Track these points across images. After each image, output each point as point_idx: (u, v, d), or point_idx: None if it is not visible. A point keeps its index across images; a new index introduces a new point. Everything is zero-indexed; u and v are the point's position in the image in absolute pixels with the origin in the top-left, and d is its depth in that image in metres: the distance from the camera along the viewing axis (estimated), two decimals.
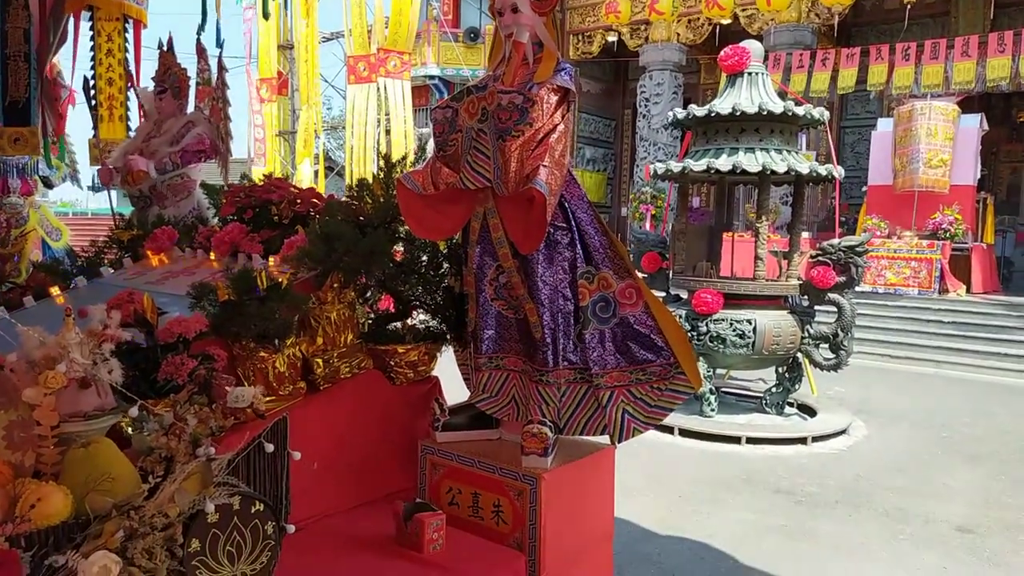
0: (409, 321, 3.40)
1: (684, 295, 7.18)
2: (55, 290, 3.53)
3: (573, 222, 2.67)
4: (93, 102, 6.19)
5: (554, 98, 2.60)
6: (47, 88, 7.28)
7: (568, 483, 2.66)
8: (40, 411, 1.65)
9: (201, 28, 4.87)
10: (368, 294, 3.46)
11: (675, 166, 6.69)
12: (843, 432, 6.87)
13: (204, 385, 1.91)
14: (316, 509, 2.72)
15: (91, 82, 6.24)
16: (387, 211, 3.28)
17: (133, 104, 6.30)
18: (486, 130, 2.64)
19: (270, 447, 1.84)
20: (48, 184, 7.24)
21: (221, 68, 4.69)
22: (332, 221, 3.08)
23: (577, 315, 2.69)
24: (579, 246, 2.67)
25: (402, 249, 3.37)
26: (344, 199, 3.48)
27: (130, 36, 6.63)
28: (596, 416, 2.70)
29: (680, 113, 6.75)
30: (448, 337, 3.34)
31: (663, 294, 7.22)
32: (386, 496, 2.95)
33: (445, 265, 3.29)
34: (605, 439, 2.76)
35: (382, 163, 3.33)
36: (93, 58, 6.32)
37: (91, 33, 6.38)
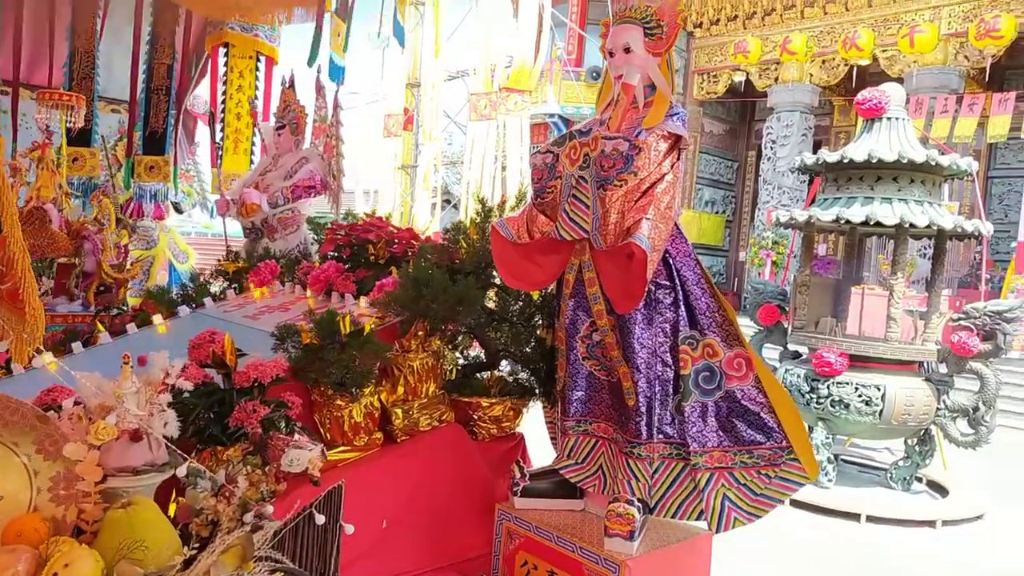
0: (497, 372, 3.23)
1: (804, 352, 6.64)
2: (157, 318, 3.60)
3: (678, 281, 2.41)
4: (221, 135, 6.51)
5: (664, 145, 2.37)
6: (185, 121, 7.76)
7: (656, 572, 2.36)
8: (83, 466, 1.57)
9: (311, 62, 4.97)
10: (458, 339, 3.32)
11: (800, 214, 6.22)
12: (979, 518, 6.05)
13: (259, 445, 1.79)
14: (383, 571, 2.56)
15: (220, 116, 6.57)
16: (482, 256, 3.14)
17: (257, 138, 6.57)
18: (587, 177, 2.44)
19: (321, 518, 1.68)
20: (179, 209, 7.65)
21: (336, 106, 4.76)
22: (423, 265, 2.96)
23: (677, 384, 2.41)
24: (683, 308, 2.40)
25: (494, 296, 3.21)
26: (442, 241, 3.37)
27: (260, 73, 6.96)
28: (692, 499, 2.40)
29: (809, 158, 6.29)
30: (537, 392, 3.14)
31: (780, 349, 6.71)
32: (458, 562, 2.76)
33: (537, 316, 3.10)
34: (702, 523, 2.46)
35: (478, 206, 3.20)
36: (224, 92, 6.66)
37: (224, 69, 6.74)
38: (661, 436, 2.40)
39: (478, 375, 3.24)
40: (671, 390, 2.41)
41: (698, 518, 2.41)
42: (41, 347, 1.61)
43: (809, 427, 5.81)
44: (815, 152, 6.41)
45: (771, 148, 16.20)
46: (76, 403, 1.69)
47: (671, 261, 2.43)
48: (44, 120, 4.69)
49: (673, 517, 2.41)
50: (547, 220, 2.60)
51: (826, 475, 6.34)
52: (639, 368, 2.37)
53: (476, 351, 3.50)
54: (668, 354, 2.41)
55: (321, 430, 2.61)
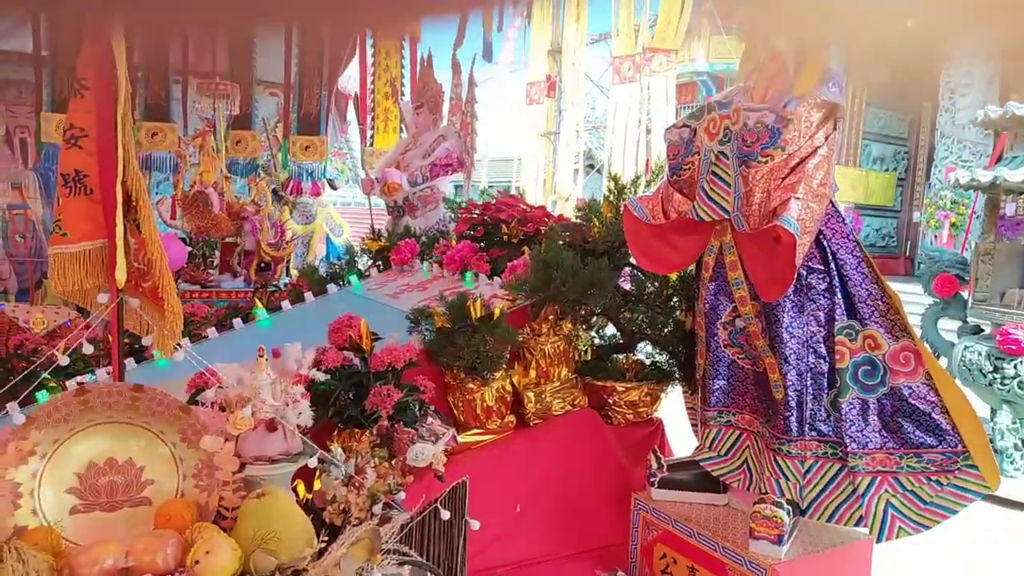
0: (633, 356, 3.10)
1: (986, 327, 5.95)
2: (309, 296, 3.78)
3: (833, 265, 2.17)
4: (370, 115, 6.71)
5: (817, 116, 2.12)
6: (336, 101, 8.08)
7: None
8: (220, 457, 1.64)
9: (458, 43, 4.97)
10: (592, 320, 3.22)
11: (984, 175, 5.53)
12: None
13: (385, 438, 1.80)
14: (516, 555, 2.54)
15: (369, 95, 6.77)
16: (615, 235, 3.00)
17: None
18: (728, 153, 2.24)
19: (446, 514, 1.67)
20: (333, 186, 8.01)
21: (471, 84, 4.73)
22: (553, 246, 2.87)
23: (832, 378, 2.19)
24: (839, 294, 2.17)
25: (629, 275, 3.08)
26: (574, 219, 3.27)
27: (406, 51, 7.09)
28: (851, 504, 2.18)
29: (994, 111, 5.56)
30: (676, 377, 2.99)
31: (959, 324, 6.06)
32: (593, 550, 2.69)
33: (676, 298, 2.94)
34: (862, 528, 2.23)
35: (611, 184, 3.06)
36: (373, 74, 6.83)
37: (371, 50, 6.91)
38: (814, 433, 2.19)
39: (613, 358, 3.13)
40: (825, 384, 2.19)
41: (857, 524, 2.19)
42: (180, 343, 1.69)
43: (992, 410, 5.22)
44: (1002, 103, 5.64)
45: (949, 98, 14.57)
46: (218, 390, 1.77)
47: (826, 243, 2.19)
48: (205, 108, 5.03)
49: (828, 522, 2.21)
50: (684, 199, 2.42)
51: (1013, 463, 5.70)
52: (788, 359, 2.17)
53: (613, 330, 3.39)
54: (822, 345, 2.19)
55: (454, 412, 2.63)
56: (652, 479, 2.54)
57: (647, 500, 2.54)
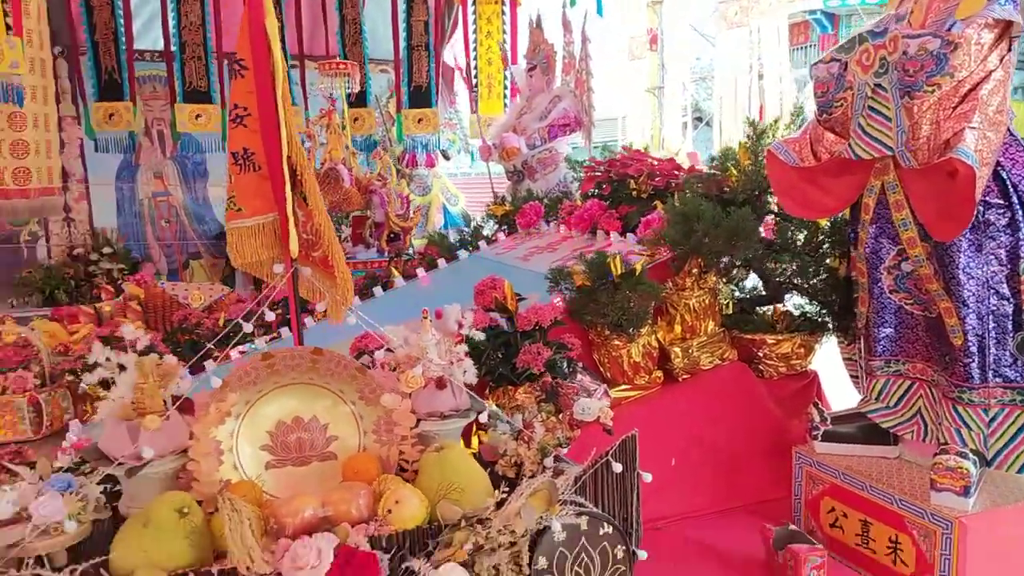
0: (781, 307, 2.99)
1: None
2: (441, 262, 3.87)
3: (1015, 198, 2.00)
4: (475, 82, 6.72)
5: (989, 36, 1.94)
6: (444, 72, 8.14)
7: (1001, 532, 2.04)
8: (398, 413, 1.70)
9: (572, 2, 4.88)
10: (733, 272, 3.12)
11: None
12: None
13: (551, 393, 1.82)
14: (672, 509, 2.53)
15: (473, 63, 6.79)
16: (755, 183, 2.88)
17: (509, 81, 6.70)
18: (886, 85, 2.08)
19: (619, 467, 1.67)
20: (446, 156, 8.12)
21: (584, 40, 4.64)
22: (691, 198, 2.79)
23: (1018, 320, 2.03)
24: (1023, 230, 1.99)
25: (773, 224, 2.95)
26: (706, 170, 3.16)
27: (506, 16, 7.04)
28: None
29: None
30: (830, 327, 2.86)
31: None
32: (750, 504, 2.64)
33: (826, 244, 2.79)
34: None
35: (749, 129, 2.93)
36: (475, 41, 6.84)
37: (473, 18, 6.91)
38: (999, 380, 2.04)
39: (758, 310, 3.03)
40: (1010, 327, 2.03)
41: None
42: (352, 307, 1.75)
43: None
44: None
45: None
46: (386, 352, 1.84)
47: (1005, 175, 2.01)
48: (327, 89, 5.20)
49: (1020, 472, 2.06)
50: (836, 138, 2.29)
51: None
52: (967, 302, 2.02)
53: (754, 282, 3.28)
54: (1004, 285, 2.02)
55: (601, 369, 2.62)
56: (815, 432, 2.45)
57: (810, 454, 2.46)
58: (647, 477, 1.71)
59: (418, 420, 1.75)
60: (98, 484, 1.51)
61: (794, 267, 2.89)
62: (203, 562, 1.44)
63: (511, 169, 4.78)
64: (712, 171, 3.06)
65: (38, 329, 3.91)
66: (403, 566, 1.50)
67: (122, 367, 1.56)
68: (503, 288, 2.47)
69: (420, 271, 3.85)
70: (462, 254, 3.97)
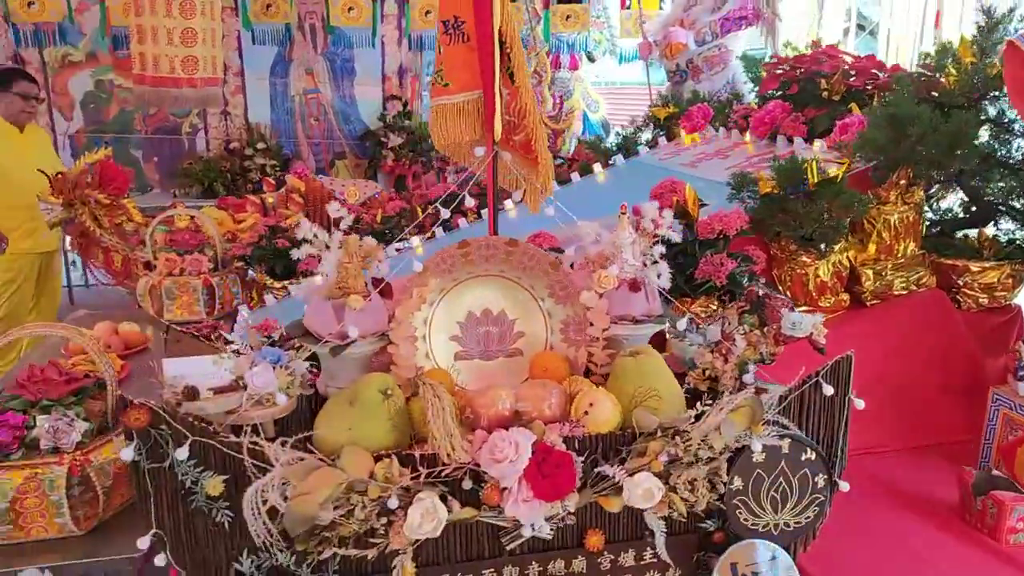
0: (988, 231, 2.67)
1: None
2: (597, 167, 3.71)
3: None
4: None
5: None
6: None
7: None
8: (594, 313, 1.63)
9: None
10: (932, 190, 2.81)
11: None
12: None
13: (756, 304, 1.68)
14: (852, 443, 2.37)
15: None
16: (976, 85, 2.52)
17: None
18: None
19: (829, 389, 1.54)
20: (591, 58, 7.78)
21: None
22: (902, 99, 2.48)
23: None
24: None
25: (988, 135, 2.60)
26: (916, 70, 2.80)
27: None
28: None
29: None
30: None
31: None
32: (933, 444, 2.44)
33: None
34: None
35: (981, 18, 2.54)
36: None
37: None
38: None
39: (959, 234, 2.72)
40: None
41: None
42: (552, 197, 1.66)
43: None
44: None
45: None
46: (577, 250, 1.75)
47: None
48: None
49: None
50: None
51: None
52: None
53: (948, 204, 2.94)
54: None
55: (780, 288, 2.44)
56: (1020, 373, 2.20)
57: (1010, 395, 2.21)
58: (859, 403, 1.57)
59: (609, 324, 1.68)
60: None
61: (1012, 185, 2.55)
62: (402, 445, 1.45)
63: (673, 68, 4.48)
64: (922, 70, 2.70)
65: (208, 216, 4.11)
66: (595, 471, 1.46)
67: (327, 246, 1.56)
68: (684, 191, 2.31)
69: (575, 176, 3.72)
70: (619, 159, 3.79)
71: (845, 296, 2.45)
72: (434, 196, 3.64)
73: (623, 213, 1.67)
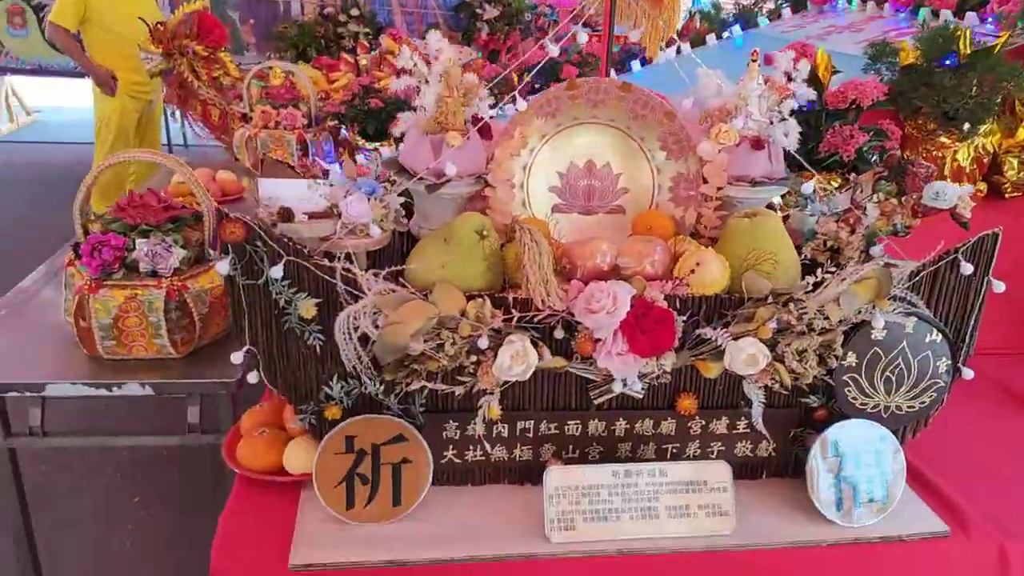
0: None
1: None
2: (711, 39, 3.43)
3: None
4: None
5: None
6: None
7: None
8: (711, 168, 1.49)
9: None
10: None
11: None
12: None
13: (895, 170, 1.51)
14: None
15: None
16: None
17: None
18: None
19: (968, 268, 1.38)
20: None
21: None
22: None
23: None
24: None
25: None
26: None
27: None
28: None
29: None
30: None
31: None
32: None
33: None
34: None
35: None
36: None
37: None
38: None
39: None
40: None
41: None
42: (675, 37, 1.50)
43: None
44: None
45: None
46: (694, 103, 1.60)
47: None
48: None
49: None
50: None
51: None
52: None
53: None
54: None
55: None
56: None
57: None
58: (999, 286, 1.41)
59: (725, 184, 1.54)
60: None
61: None
62: (495, 289, 1.39)
63: None
64: None
65: (303, 73, 4.06)
66: (696, 332, 1.37)
67: (426, 80, 1.47)
68: (814, 54, 2.08)
69: (685, 47, 3.45)
70: (735, 30, 3.49)
71: (982, 186, 2.21)
72: (532, 63, 3.47)
73: (753, 60, 1.50)
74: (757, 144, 1.51)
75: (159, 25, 4.09)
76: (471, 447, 1.47)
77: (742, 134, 1.52)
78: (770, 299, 1.36)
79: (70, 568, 2.48)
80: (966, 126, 2.07)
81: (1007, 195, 2.22)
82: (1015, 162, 2.18)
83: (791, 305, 1.34)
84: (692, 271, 1.37)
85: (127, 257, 1.81)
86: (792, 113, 1.57)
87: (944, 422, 1.56)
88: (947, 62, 2.07)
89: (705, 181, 1.54)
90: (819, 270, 1.34)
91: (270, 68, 4.19)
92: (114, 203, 1.96)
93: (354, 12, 7.20)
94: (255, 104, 3.66)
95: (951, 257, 1.38)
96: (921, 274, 1.39)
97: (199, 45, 4.17)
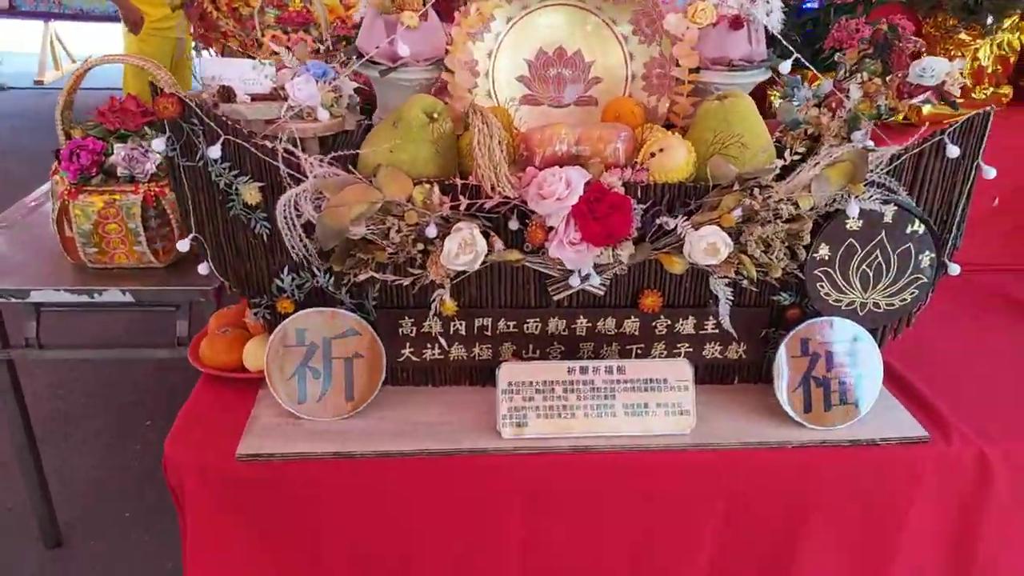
0: None
1: None
2: None
3: None
4: None
5: None
6: None
7: None
8: (681, 47, 1.39)
9: None
10: None
11: None
12: None
13: (880, 47, 1.39)
14: (975, 256, 2.05)
15: None
16: None
17: None
18: None
19: (955, 151, 1.27)
20: None
21: None
22: None
23: None
24: None
25: None
26: None
27: None
28: None
29: None
30: None
31: None
32: None
33: None
34: None
35: None
36: None
37: None
38: None
39: None
40: None
41: None
42: None
43: None
44: None
45: None
46: None
47: None
48: None
49: None
50: None
51: None
52: None
53: None
54: None
55: None
56: None
57: None
58: (990, 172, 1.29)
59: (699, 68, 1.44)
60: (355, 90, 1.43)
61: None
62: (448, 176, 1.34)
63: None
64: None
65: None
66: (656, 221, 1.30)
67: None
68: None
69: None
70: None
71: (1007, 89, 2.05)
72: None
73: None
74: (736, 23, 1.40)
75: None
76: (428, 345, 1.43)
77: (719, 12, 1.41)
78: (736, 186, 1.27)
79: (76, 485, 2.57)
80: (988, 20, 1.90)
81: None
82: None
83: (757, 191, 1.25)
84: (652, 155, 1.29)
85: (105, 162, 1.81)
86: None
87: (934, 326, 1.46)
88: None
89: (677, 65, 1.44)
90: (787, 153, 1.24)
91: None
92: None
93: None
94: (266, 29, 3.61)
95: (936, 139, 1.27)
96: (902, 158, 1.28)
97: None
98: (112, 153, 1.80)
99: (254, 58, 1.60)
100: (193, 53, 4.42)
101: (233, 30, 4.23)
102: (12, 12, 8.03)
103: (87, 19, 8.12)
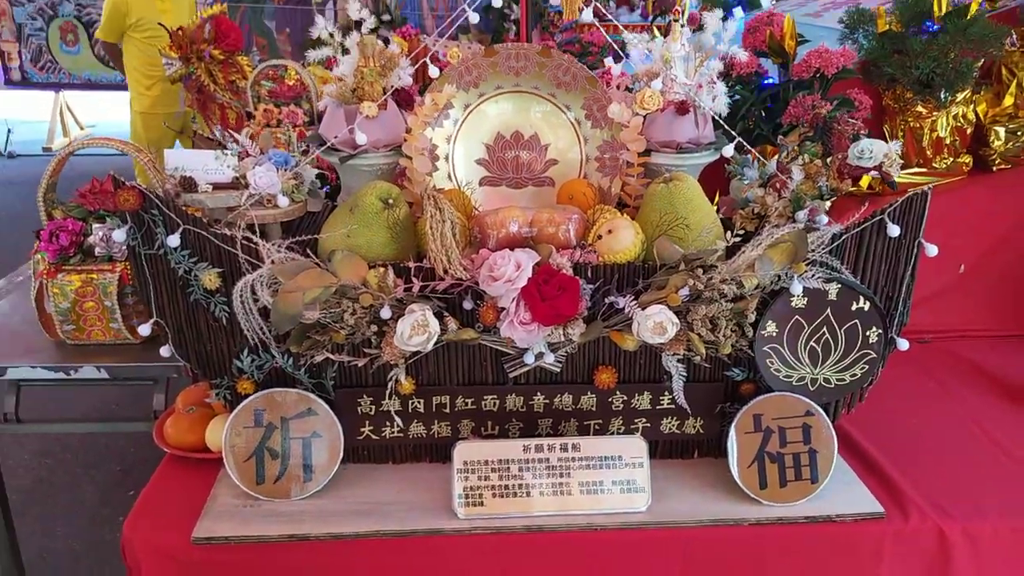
0: None
1: None
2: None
3: None
4: None
5: None
6: None
7: None
8: (627, 133, 1.44)
9: None
10: None
11: None
12: None
13: (820, 130, 1.43)
14: (947, 324, 2.08)
15: None
16: None
17: None
18: None
19: (895, 230, 1.30)
20: None
21: None
22: None
23: None
24: None
25: None
26: None
27: None
28: None
29: None
30: None
31: None
32: None
33: None
34: None
35: None
36: None
37: None
38: None
39: None
40: None
41: None
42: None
43: None
44: None
45: None
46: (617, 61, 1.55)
47: None
48: None
49: None
50: None
51: None
52: None
53: None
54: None
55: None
56: None
57: None
58: (932, 250, 1.32)
59: (649, 150, 1.49)
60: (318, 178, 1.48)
61: None
62: (405, 258, 1.37)
63: None
64: None
65: (312, 73, 4.12)
66: (606, 300, 1.32)
67: (345, 50, 1.46)
68: (782, 23, 2.01)
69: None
70: (736, 12, 3.39)
71: (967, 158, 2.09)
72: None
73: (675, 20, 1.45)
74: (682, 108, 1.45)
75: (179, 31, 4.22)
76: (388, 423, 1.45)
77: (667, 99, 1.46)
78: (682, 266, 1.30)
79: (55, 558, 2.55)
80: (942, 93, 1.95)
81: (995, 167, 2.09)
82: (1001, 132, 2.06)
83: (700, 272, 1.28)
84: (601, 237, 1.33)
85: (83, 242, 1.86)
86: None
87: (897, 395, 1.47)
88: (925, 27, 1.97)
89: (626, 148, 1.48)
90: (728, 234, 1.28)
91: (285, 69, 4.26)
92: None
93: (385, 17, 7.30)
94: (260, 103, 3.73)
95: (877, 219, 1.30)
96: (844, 236, 1.31)
97: (216, 49, 4.27)
98: (91, 233, 1.85)
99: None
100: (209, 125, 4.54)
101: (230, 101, 4.36)
102: (25, 83, 8.32)
103: (95, 88, 8.39)
